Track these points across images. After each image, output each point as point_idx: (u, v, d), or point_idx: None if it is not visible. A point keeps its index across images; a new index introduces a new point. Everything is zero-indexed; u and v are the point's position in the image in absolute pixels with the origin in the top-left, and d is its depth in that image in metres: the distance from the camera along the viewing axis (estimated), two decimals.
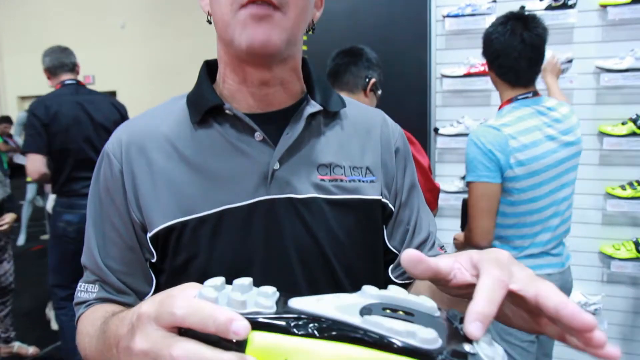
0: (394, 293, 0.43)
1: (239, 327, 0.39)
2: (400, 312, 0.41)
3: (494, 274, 0.43)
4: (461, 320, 0.42)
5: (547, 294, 0.42)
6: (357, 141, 0.82)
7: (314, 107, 0.77)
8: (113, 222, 0.76)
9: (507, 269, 0.45)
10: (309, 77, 0.83)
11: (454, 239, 2.09)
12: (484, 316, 0.40)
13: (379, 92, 1.90)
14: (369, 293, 0.43)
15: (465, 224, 1.93)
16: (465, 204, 1.97)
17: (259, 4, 0.66)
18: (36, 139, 2.60)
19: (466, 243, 1.81)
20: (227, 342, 0.40)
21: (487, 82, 2.65)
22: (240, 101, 0.77)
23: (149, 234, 0.73)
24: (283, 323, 0.40)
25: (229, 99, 0.77)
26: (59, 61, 2.79)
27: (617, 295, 2.65)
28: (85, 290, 0.78)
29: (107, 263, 0.76)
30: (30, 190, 5.89)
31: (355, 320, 0.39)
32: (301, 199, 0.74)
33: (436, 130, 2.76)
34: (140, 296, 0.77)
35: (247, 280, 0.44)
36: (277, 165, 0.74)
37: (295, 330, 0.39)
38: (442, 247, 0.90)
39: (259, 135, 0.74)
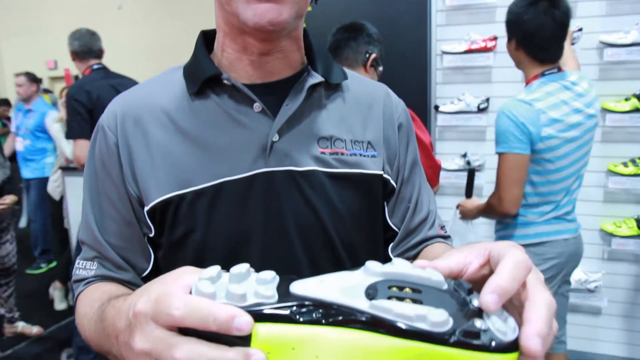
0: (399, 268, 0.41)
1: (242, 323, 0.38)
2: (408, 290, 0.40)
3: (518, 255, 0.42)
4: (469, 292, 0.41)
5: (537, 302, 0.40)
6: (358, 115, 0.80)
7: (315, 78, 0.75)
8: (110, 196, 0.74)
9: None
10: (310, 48, 0.80)
11: (459, 206, 2.13)
12: (503, 290, 0.39)
13: (380, 68, 1.88)
14: (373, 270, 0.42)
15: (470, 193, 2.12)
16: (472, 174, 2.15)
17: None
18: (82, 124, 2.60)
19: (488, 211, 1.91)
20: (231, 337, 0.38)
21: (487, 59, 2.62)
22: (239, 71, 0.74)
23: (146, 208, 0.72)
24: (287, 312, 0.38)
25: (227, 69, 0.75)
26: (88, 47, 2.81)
27: (618, 273, 2.65)
28: (83, 267, 0.76)
29: (106, 238, 0.75)
30: None
31: (363, 305, 0.38)
32: (301, 171, 0.72)
33: (436, 107, 2.73)
34: (138, 272, 0.76)
35: (244, 267, 0.42)
36: (276, 137, 0.72)
37: (300, 318, 0.38)
38: (442, 227, 0.89)
39: (257, 106, 0.72)
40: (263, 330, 0.38)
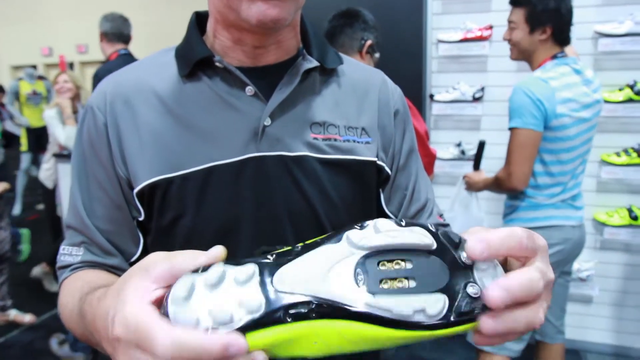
0: (384, 238, 0.39)
1: (238, 349, 0.36)
2: (398, 265, 0.39)
3: (520, 232, 0.41)
4: (458, 245, 0.41)
5: (524, 270, 0.40)
6: (353, 100, 0.78)
7: (310, 62, 0.73)
8: (98, 179, 0.73)
9: (534, 242, 0.42)
10: (306, 32, 0.79)
11: (466, 176, 2.14)
12: (489, 241, 0.39)
13: (377, 54, 1.88)
14: (357, 243, 0.40)
15: (478, 165, 2.13)
16: (482, 146, 2.13)
17: None
18: None
19: (496, 186, 1.93)
20: None
21: (483, 48, 2.61)
22: (232, 56, 0.73)
23: (135, 190, 0.70)
24: (279, 315, 0.37)
25: (219, 52, 0.73)
26: (119, 30, 2.82)
27: (610, 262, 2.67)
28: (69, 253, 0.75)
29: (94, 222, 0.73)
30: (25, 159, 5.86)
31: (358, 299, 0.37)
32: (293, 157, 0.71)
33: (431, 96, 2.73)
34: (127, 256, 0.75)
35: (218, 271, 0.39)
36: (268, 121, 0.70)
37: (293, 320, 0.37)
38: (441, 215, 0.88)
39: (250, 89, 0.71)
40: (256, 338, 0.37)
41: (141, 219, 0.73)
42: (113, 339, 0.41)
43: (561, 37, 1.85)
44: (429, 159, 1.97)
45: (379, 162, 0.79)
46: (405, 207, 0.83)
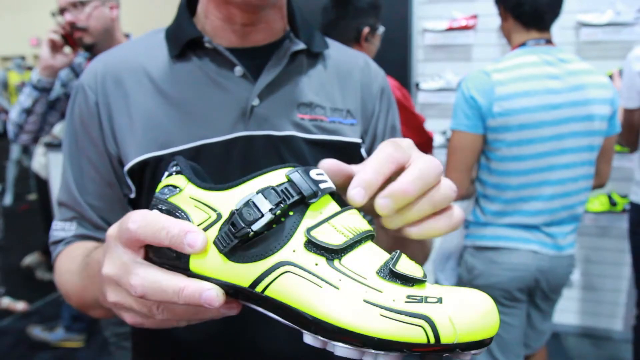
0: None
1: (194, 240, 0.38)
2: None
3: (387, 150, 0.44)
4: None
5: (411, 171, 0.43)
6: (338, 83, 0.80)
7: (297, 45, 0.75)
8: (89, 156, 0.74)
9: (404, 150, 0.45)
10: (293, 15, 0.80)
11: None
12: (367, 184, 0.41)
13: (379, 31, 1.81)
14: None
15: None
16: None
17: None
18: None
19: None
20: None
21: (467, 37, 2.65)
22: (222, 37, 0.75)
23: (126, 168, 0.72)
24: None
25: (210, 33, 0.75)
26: None
27: (590, 247, 2.74)
28: (62, 229, 0.76)
29: (85, 199, 0.75)
30: (15, 150, 5.82)
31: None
32: (280, 136, 0.73)
33: (417, 85, 2.77)
34: None
35: None
36: (256, 102, 0.72)
37: None
38: None
39: (239, 70, 0.72)
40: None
41: (132, 196, 0.75)
42: (106, 242, 0.44)
43: (524, 20, 1.55)
44: (428, 143, 1.94)
45: (362, 144, 0.81)
46: None
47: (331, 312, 0.35)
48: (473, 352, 0.35)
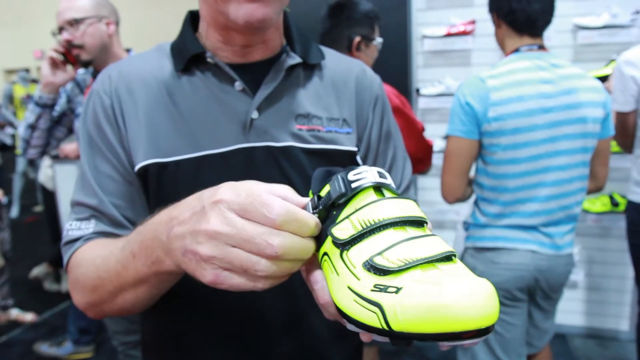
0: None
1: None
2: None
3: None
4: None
5: None
6: (334, 93, 0.84)
7: (293, 59, 0.79)
8: (107, 156, 0.76)
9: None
10: (289, 30, 0.84)
11: None
12: None
13: (375, 41, 1.83)
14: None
15: None
16: None
17: None
18: None
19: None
20: None
21: (466, 42, 2.68)
22: (222, 55, 0.79)
23: (134, 170, 0.75)
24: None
25: (211, 49, 0.79)
26: None
27: (593, 248, 2.75)
28: (77, 228, 0.75)
29: (108, 198, 0.75)
30: (21, 162, 5.88)
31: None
32: (279, 147, 0.76)
33: (418, 90, 2.79)
34: None
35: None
36: (255, 115, 0.76)
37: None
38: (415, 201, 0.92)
39: (239, 85, 0.76)
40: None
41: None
42: (212, 203, 0.46)
43: (517, 26, 1.58)
44: (427, 150, 1.95)
45: (358, 152, 0.84)
46: None
47: (333, 294, 0.45)
48: (445, 343, 0.37)
